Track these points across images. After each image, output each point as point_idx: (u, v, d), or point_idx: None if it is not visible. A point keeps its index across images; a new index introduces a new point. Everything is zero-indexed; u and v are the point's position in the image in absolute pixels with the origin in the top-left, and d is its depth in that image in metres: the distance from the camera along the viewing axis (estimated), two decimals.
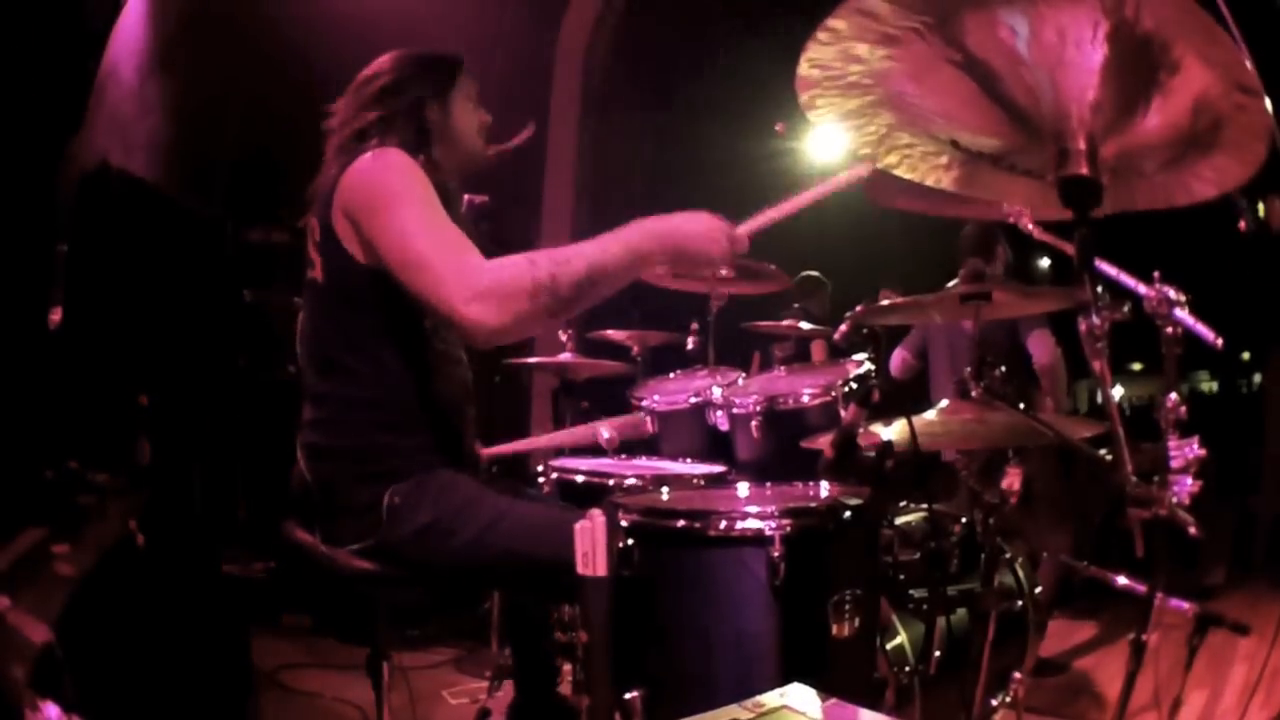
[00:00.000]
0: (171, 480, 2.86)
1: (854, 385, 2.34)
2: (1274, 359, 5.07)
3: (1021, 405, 2.00)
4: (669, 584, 1.62)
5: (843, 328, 2.23)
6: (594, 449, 2.70)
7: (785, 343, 4.18)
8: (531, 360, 3.66)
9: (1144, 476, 1.22)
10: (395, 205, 1.70)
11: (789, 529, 1.56)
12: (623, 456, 2.65)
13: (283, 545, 1.90)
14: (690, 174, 5.60)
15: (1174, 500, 1.23)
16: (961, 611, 2.08)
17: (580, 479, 2.26)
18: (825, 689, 1.21)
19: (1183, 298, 1.65)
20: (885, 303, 2.32)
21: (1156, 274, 1.70)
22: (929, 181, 1.33)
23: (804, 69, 1.18)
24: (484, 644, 3.00)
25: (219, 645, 2.60)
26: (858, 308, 2.22)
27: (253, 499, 3.93)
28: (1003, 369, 1.99)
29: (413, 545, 1.75)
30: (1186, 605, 1.81)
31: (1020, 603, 2.29)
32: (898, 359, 4.05)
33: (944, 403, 2.02)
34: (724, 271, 2.40)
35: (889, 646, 1.93)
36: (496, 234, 2.11)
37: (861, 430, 1.70)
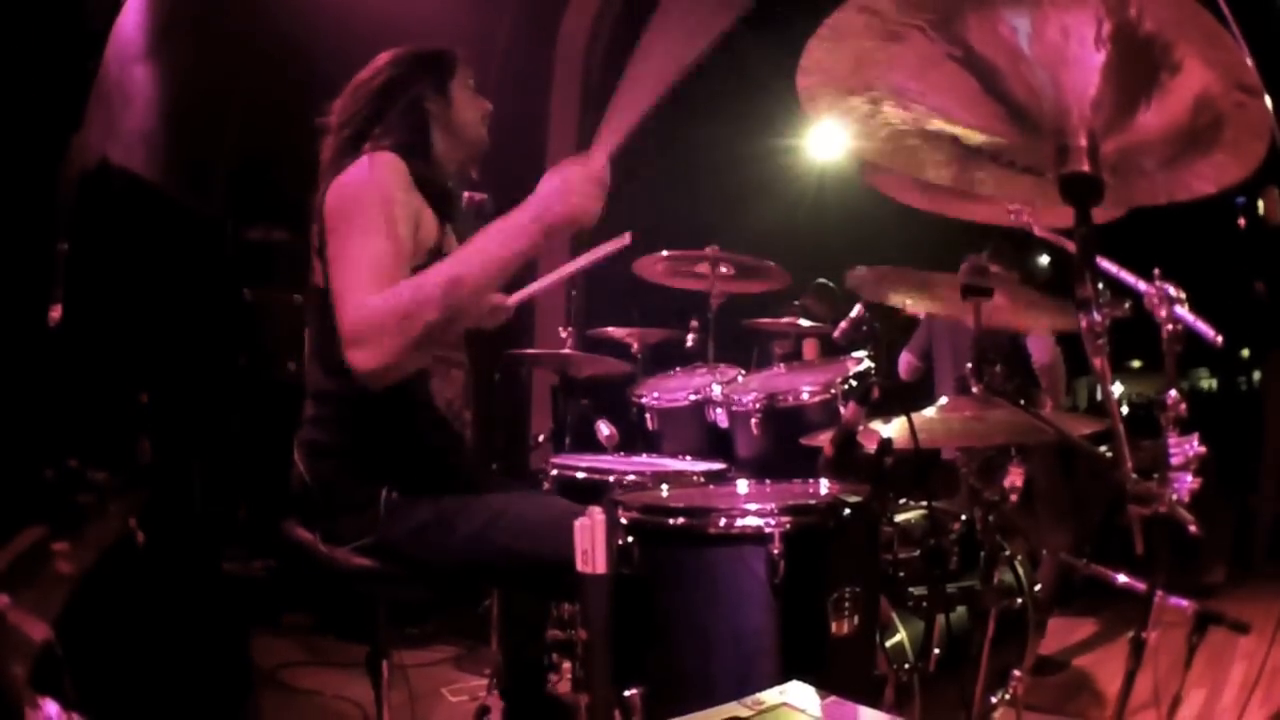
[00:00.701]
0: (171, 480, 2.86)
1: (854, 383, 2.34)
2: (1273, 356, 5.07)
3: (1022, 402, 2.00)
4: (668, 581, 1.63)
5: (843, 325, 2.23)
6: (594, 446, 2.70)
7: (785, 340, 4.18)
8: (531, 351, 3.67)
9: (1144, 474, 1.22)
10: (343, 233, 1.72)
11: (788, 526, 1.56)
12: (622, 454, 2.65)
13: (282, 544, 1.90)
14: (690, 174, 5.60)
15: (1174, 498, 1.23)
16: (961, 609, 2.08)
17: (580, 476, 2.26)
18: (825, 686, 1.21)
19: (1182, 295, 1.65)
20: (893, 303, 2.30)
21: (1156, 271, 1.70)
22: (929, 178, 1.33)
23: (805, 65, 1.18)
24: (484, 642, 3.01)
25: (219, 644, 2.59)
26: (858, 306, 2.22)
27: (253, 498, 3.94)
28: (1002, 367, 1.99)
29: (412, 542, 1.76)
30: (1186, 603, 1.81)
31: (1020, 600, 2.30)
32: (904, 362, 4.05)
33: (944, 400, 2.02)
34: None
35: (889, 644, 1.93)
36: None
37: (861, 428, 1.70)
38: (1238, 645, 3.19)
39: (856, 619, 1.63)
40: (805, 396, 2.39)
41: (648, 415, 2.75)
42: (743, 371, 2.78)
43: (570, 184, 1.75)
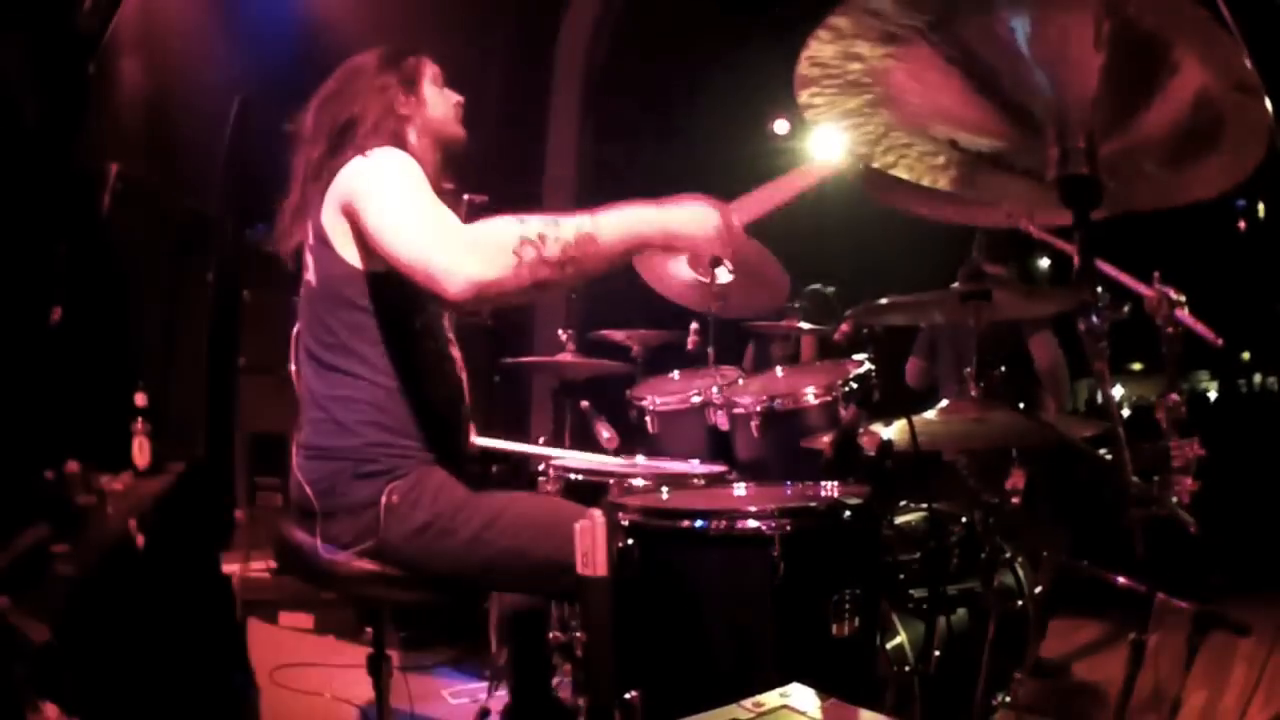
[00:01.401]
0: (172, 480, 2.86)
1: (854, 385, 2.34)
2: None
3: (1022, 405, 2.00)
4: (669, 584, 1.62)
5: (843, 327, 2.23)
6: (594, 448, 2.70)
7: (785, 342, 4.18)
8: (531, 360, 3.67)
9: (1144, 476, 1.22)
10: (389, 186, 1.70)
11: (789, 529, 1.56)
12: (623, 456, 2.65)
13: (281, 545, 1.90)
14: (690, 174, 5.59)
15: (1174, 500, 1.23)
16: (961, 611, 2.08)
17: (580, 478, 2.26)
18: (825, 689, 1.21)
19: (1182, 298, 1.65)
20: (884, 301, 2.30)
21: (1156, 274, 1.70)
22: (926, 181, 1.33)
23: (804, 67, 1.18)
24: (483, 644, 3.00)
25: (218, 646, 2.59)
26: (858, 307, 2.22)
27: (252, 499, 3.94)
28: (1004, 369, 1.98)
29: (411, 544, 1.75)
30: (1186, 605, 1.81)
31: (1020, 602, 2.29)
32: (912, 367, 4.03)
33: (944, 402, 2.02)
34: (725, 267, 2.37)
35: (889, 646, 1.93)
36: None
37: (861, 430, 1.70)
38: (1238, 647, 3.18)
39: (856, 621, 1.62)
40: (805, 399, 2.39)
41: (648, 418, 2.75)
42: (743, 374, 2.77)
43: (711, 218, 1.75)
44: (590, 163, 5.83)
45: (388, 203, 1.68)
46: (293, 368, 1.98)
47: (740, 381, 2.69)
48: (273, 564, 3.41)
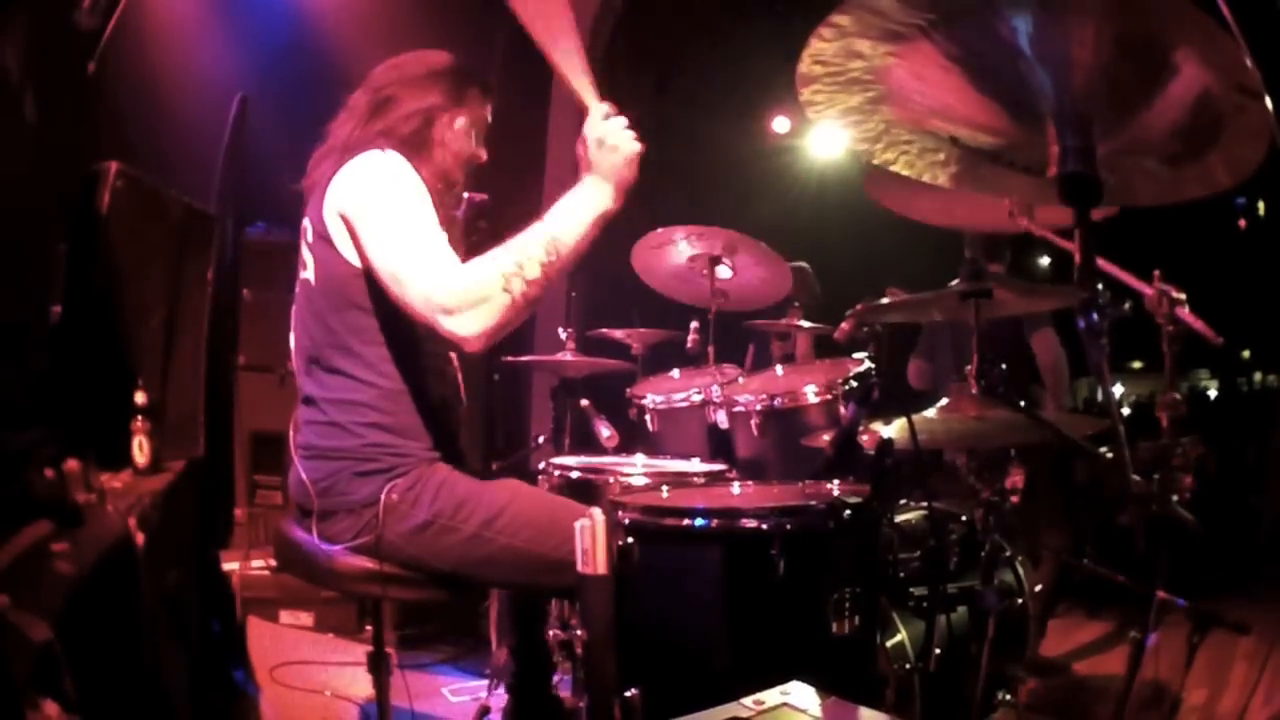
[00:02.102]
0: (173, 479, 2.85)
1: (854, 383, 2.34)
2: None
3: (1023, 403, 2.00)
4: (669, 582, 1.63)
5: (844, 325, 2.23)
6: (594, 447, 2.70)
7: (785, 340, 4.17)
8: (531, 358, 3.66)
9: (1144, 474, 1.22)
10: (384, 211, 1.73)
11: (789, 527, 1.56)
12: (622, 455, 2.65)
13: (282, 543, 1.90)
14: (691, 172, 5.60)
15: (1174, 498, 1.23)
16: (961, 609, 2.08)
17: (580, 476, 2.26)
18: (825, 687, 1.21)
19: (1183, 296, 1.65)
20: (887, 300, 2.31)
21: (1157, 273, 1.70)
22: (926, 178, 1.33)
23: (805, 65, 1.18)
24: (483, 642, 3.01)
25: (218, 645, 2.59)
26: (859, 306, 2.22)
27: (252, 497, 3.94)
28: (1004, 366, 1.98)
29: (411, 542, 1.76)
30: (1186, 604, 1.81)
31: (1020, 601, 2.29)
32: (914, 369, 4.03)
33: (944, 401, 2.02)
34: (725, 264, 2.37)
35: (889, 644, 1.93)
36: (496, 233, 2.11)
37: (862, 428, 1.70)
38: (1238, 646, 3.18)
39: (856, 619, 1.63)
40: (805, 398, 2.39)
41: (648, 416, 2.75)
42: (743, 372, 2.78)
43: (620, 145, 1.81)
44: None
45: (389, 248, 1.72)
46: (291, 367, 1.98)
47: (740, 380, 2.69)
48: (273, 562, 3.41)
